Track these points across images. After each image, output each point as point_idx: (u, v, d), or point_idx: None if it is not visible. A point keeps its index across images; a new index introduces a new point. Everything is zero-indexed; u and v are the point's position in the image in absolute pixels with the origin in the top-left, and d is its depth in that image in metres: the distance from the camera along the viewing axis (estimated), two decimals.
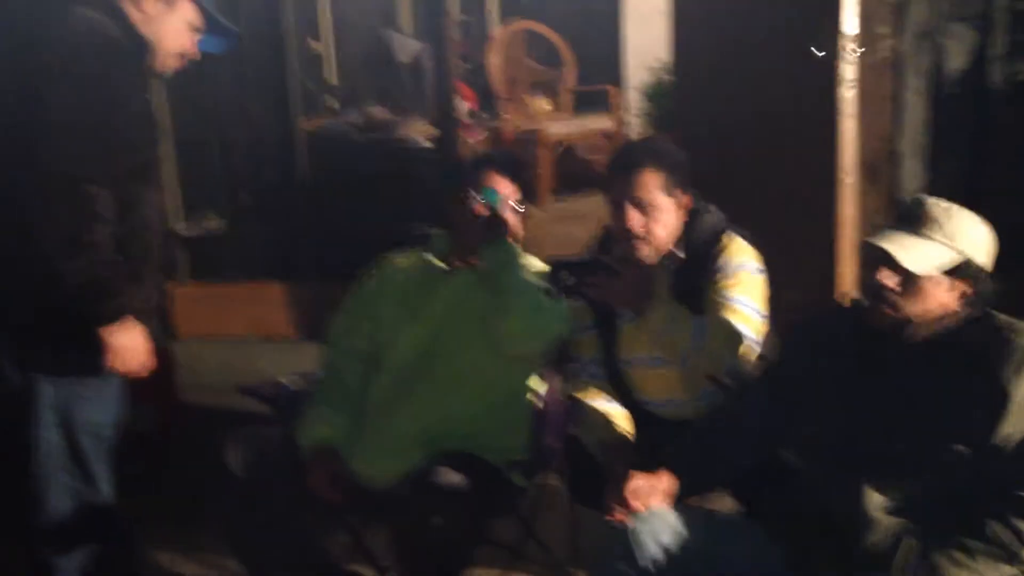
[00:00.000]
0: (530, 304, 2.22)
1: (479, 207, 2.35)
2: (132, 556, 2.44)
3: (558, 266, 2.12)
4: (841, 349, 1.89)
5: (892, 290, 1.76)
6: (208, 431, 3.11)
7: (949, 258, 1.74)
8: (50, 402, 2.17)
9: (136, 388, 2.32)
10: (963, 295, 1.78)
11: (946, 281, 1.75)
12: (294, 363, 3.56)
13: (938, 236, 1.75)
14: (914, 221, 1.78)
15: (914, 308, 1.77)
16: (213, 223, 5.14)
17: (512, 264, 2.27)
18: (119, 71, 2.06)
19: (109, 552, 2.34)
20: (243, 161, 5.23)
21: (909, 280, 1.75)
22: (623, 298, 2.15)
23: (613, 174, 2.27)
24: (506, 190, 2.37)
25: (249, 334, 4.53)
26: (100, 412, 2.24)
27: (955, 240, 1.75)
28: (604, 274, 2.11)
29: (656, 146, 2.31)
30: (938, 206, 1.79)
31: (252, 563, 2.37)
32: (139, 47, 2.14)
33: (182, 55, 2.24)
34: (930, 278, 1.75)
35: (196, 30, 2.24)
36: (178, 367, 4.09)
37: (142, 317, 2.16)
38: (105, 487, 2.30)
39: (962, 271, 1.75)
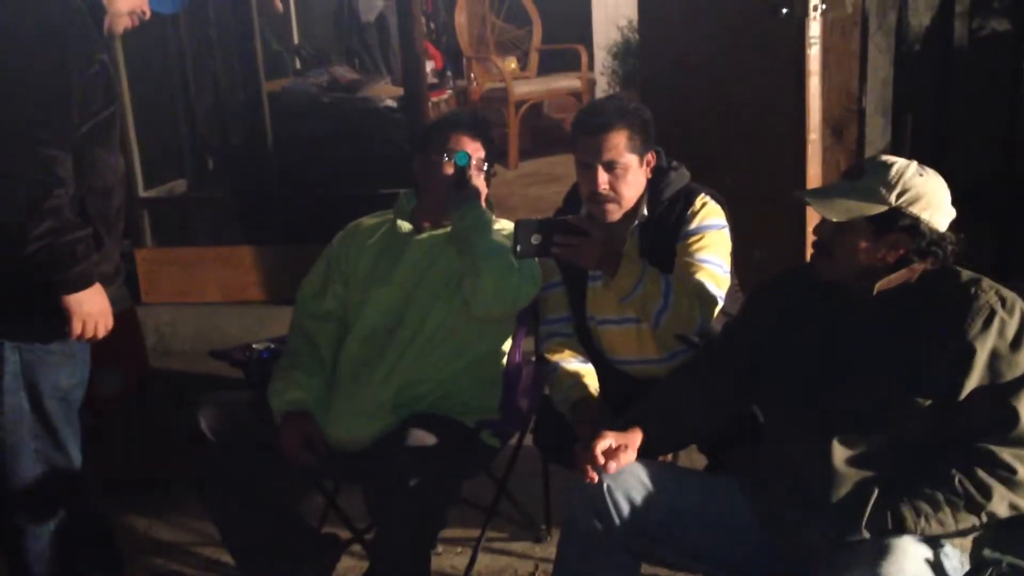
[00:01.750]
0: (500, 266, 2.22)
1: (447, 168, 2.34)
2: (103, 520, 2.44)
3: (525, 226, 2.11)
4: (804, 305, 1.92)
5: (822, 242, 1.80)
6: (179, 395, 3.11)
7: (871, 208, 1.75)
8: (15, 368, 2.16)
9: (102, 352, 2.30)
10: (896, 247, 1.78)
11: (869, 231, 1.76)
12: (265, 327, 3.56)
13: (865, 187, 1.77)
14: (851, 175, 1.82)
15: (841, 259, 1.80)
16: (178, 186, 5.08)
17: (482, 226, 2.27)
18: (74, 31, 2.03)
19: (80, 516, 2.34)
20: (208, 123, 5.16)
21: (836, 231, 1.78)
22: (592, 259, 2.16)
23: (580, 135, 2.26)
24: (474, 151, 2.36)
25: (221, 299, 4.50)
26: (66, 376, 2.23)
27: (880, 192, 1.75)
28: (572, 234, 2.11)
29: (623, 105, 2.30)
30: (877, 160, 1.81)
31: (227, 527, 2.37)
32: (93, 7, 2.11)
33: (134, 14, 2.21)
34: (852, 228, 1.76)
35: None
36: (146, 331, 4.07)
37: (104, 281, 2.14)
38: (74, 451, 2.29)
39: (890, 222, 1.75)
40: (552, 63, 7.24)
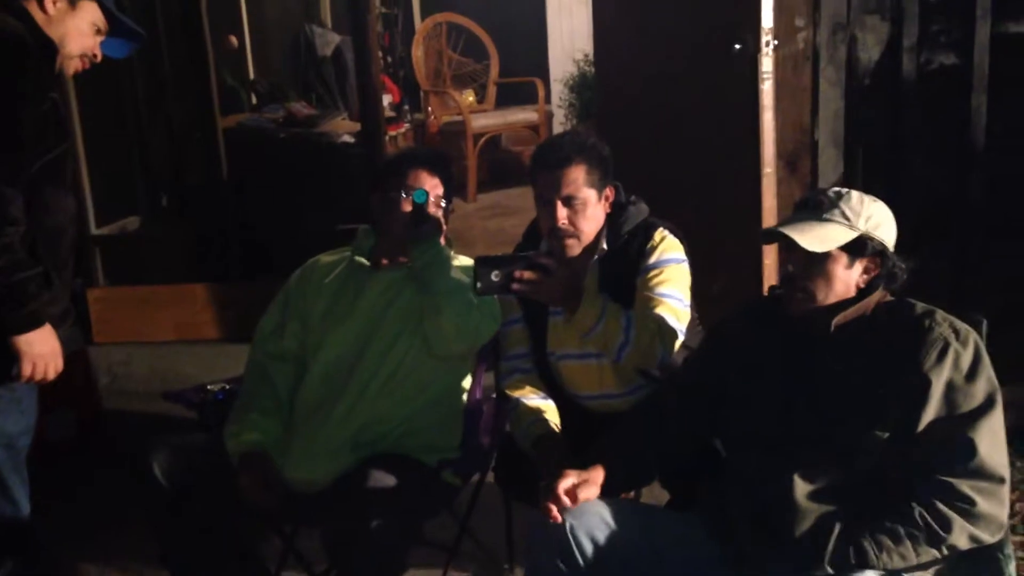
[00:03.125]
0: (461, 303, 2.20)
1: (405, 205, 2.32)
2: (54, 570, 2.37)
3: (485, 263, 2.09)
4: (763, 340, 1.93)
5: (798, 275, 1.82)
6: (132, 438, 3.04)
7: (845, 236, 1.79)
8: None
9: (53, 395, 2.25)
10: (868, 273, 1.83)
11: (846, 258, 1.81)
12: (220, 366, 3.51)
13: (833, 216, 1.81)
14: (810, 206, 1.85)
15: (821, 290, 1.82)
16: (131, 223, 5.02)
17: (441, 263, 2.26)
18: (24, 69, 2.01)
19: (28, 566, 2.27)
20: (161, 159, 5.12)
21: (812, 262, 1.81)
22: (553, 295, 2.15)
23: (539, 170, 2.27)
24: (432, 187, 2.35)
25: (175, 337, 4.44)
26: (12, 423, 2.18)
27: (850, 219, 1.81)
28: (533, 271, 2.11)
29: (581, 140, 2.30)
30: (832, 190, 1.86)
31: (182, 572, 2.31)
32: (44, 46, 2.09)
33: (85, 57, 2.19)
34: (831, 257, 1.80)
35: (100, 32, 2.20)
36: (98, 372, 3.99)
37: (54, 322, 2.10)
38: (22, 500, 2.23)
39: (862, 248, 1.81)
40: (509, 96, 7.29)
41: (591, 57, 6.59)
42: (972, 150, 3.43)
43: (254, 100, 6.65)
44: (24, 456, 2.22)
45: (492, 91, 7.29)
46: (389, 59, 7.43)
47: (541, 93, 6.96)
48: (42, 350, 2.06)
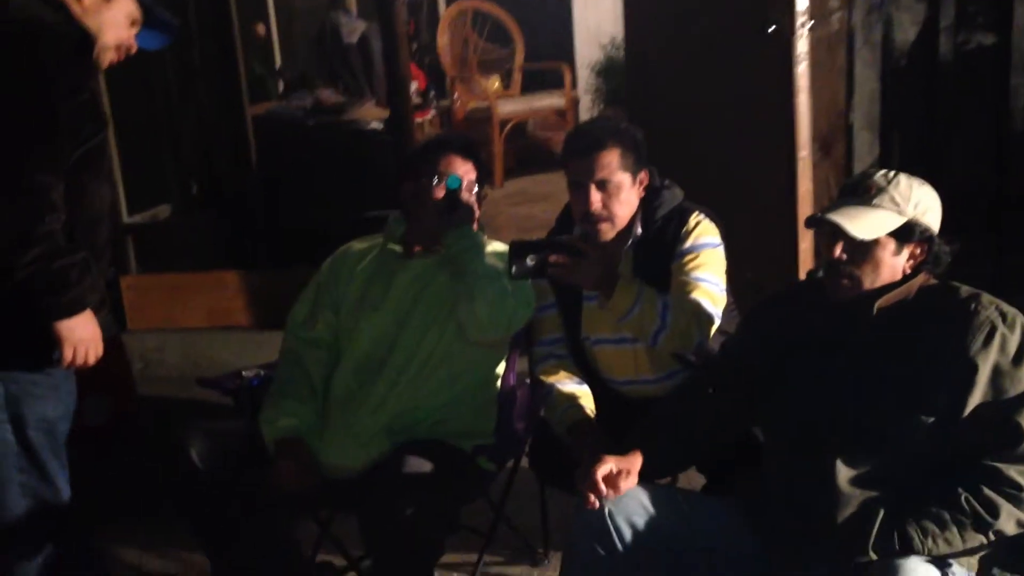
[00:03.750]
0: (495, 290, 2.19)
1: (438, 191, 2.31)
2: (93, 554, 2.38)
3: (520, 247, 2.09)
4: (803, 324, 1.90)
5: (845, 262, 1.78)
6: (167, 424, 3.06)
7: (894, 222, 1.77)
8: (0, 400, 2.12)
9: (90, 380, 2.26)
10: (914, 258, 1.80)
11: (894, 244, 1.78)
12: (252, 352, 3.53)
13: (882, 202, 1.78)
14: (858, 192, 1.82)
15: (868, 276, 1.79)
16: (162, 211, 5.05)
17: (475, 249, 2.25)
18: (62, 60, 2.01)
19: (69, 551, 2.29)
20: (191, 147, 5.14)
21: (859, 249, 1.77)
22: (588, 279, 2.14)
23: (572, 155, 2.25)
24: (465, 172, 2.34)
25: (207, 324, 4.47)
26: (52, 407, 2.19)
27: (899, 204, 1.77)
28: (568, 255, 2.09)
29: (614, 125, 2.29)
30: (880, 174, 1.82)
31: (218, 559, 2.33)
32: (81, 37, 2.09)
33: (120, 48, 2.19)
34: (879, 244, 1.77)
35: (135, 23, 2.20)
36: (132, 358, 4.03)
37: (93, 308, 2.11)
38: (62, 484, 2.24)
39: (910, 234, 1.78)
40: (536, 82, 7.26)
41: (618, 41, 6.55)
42: (1010, 131, 3.37)
43: (281, 88, 6.67)
44: (63, 441, 2.23)
45: (518, 77, 7.27)
46: (415, 46, 7.42)
47: (567, 78, 6.93)
48: (83, 335, 2.07)
